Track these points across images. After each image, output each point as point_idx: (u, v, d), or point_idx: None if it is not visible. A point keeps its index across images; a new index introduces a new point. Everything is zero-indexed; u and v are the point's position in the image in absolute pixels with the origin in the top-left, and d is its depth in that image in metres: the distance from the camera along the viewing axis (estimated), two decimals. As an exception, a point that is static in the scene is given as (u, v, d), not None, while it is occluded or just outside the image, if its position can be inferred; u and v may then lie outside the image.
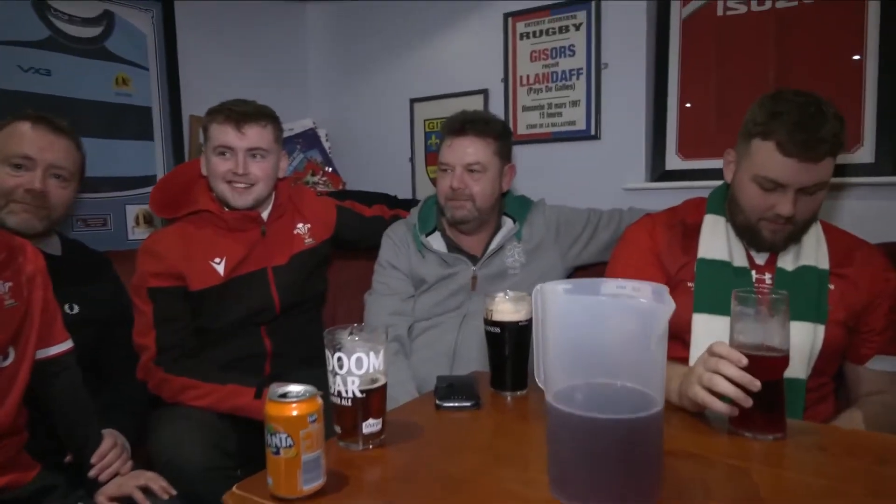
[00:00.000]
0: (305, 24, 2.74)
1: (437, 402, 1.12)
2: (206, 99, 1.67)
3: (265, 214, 1.69)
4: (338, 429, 0.95)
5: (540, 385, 0.88)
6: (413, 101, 2.51)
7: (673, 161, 2.03)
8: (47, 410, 1.27)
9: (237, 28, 2.41)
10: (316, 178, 2.52)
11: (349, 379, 0.92)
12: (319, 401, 0.81)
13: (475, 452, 0.94)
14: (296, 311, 1.73)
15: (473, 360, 1.58)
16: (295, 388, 0.82)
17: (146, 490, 1.28)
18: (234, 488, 0.83)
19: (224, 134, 1.57)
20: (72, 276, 1.50)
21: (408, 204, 2.10)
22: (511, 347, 1.17)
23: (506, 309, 1.17)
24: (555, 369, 0.78)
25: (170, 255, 1.56)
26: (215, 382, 1.50)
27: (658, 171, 2.04)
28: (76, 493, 1.25)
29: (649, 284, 0.79)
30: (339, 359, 0.92)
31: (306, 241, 1.76)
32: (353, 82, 2.68)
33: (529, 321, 1.15)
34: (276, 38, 2.60)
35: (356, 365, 0.91)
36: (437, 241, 1.75)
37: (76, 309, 1.48)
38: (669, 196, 1.75)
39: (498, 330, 1.16)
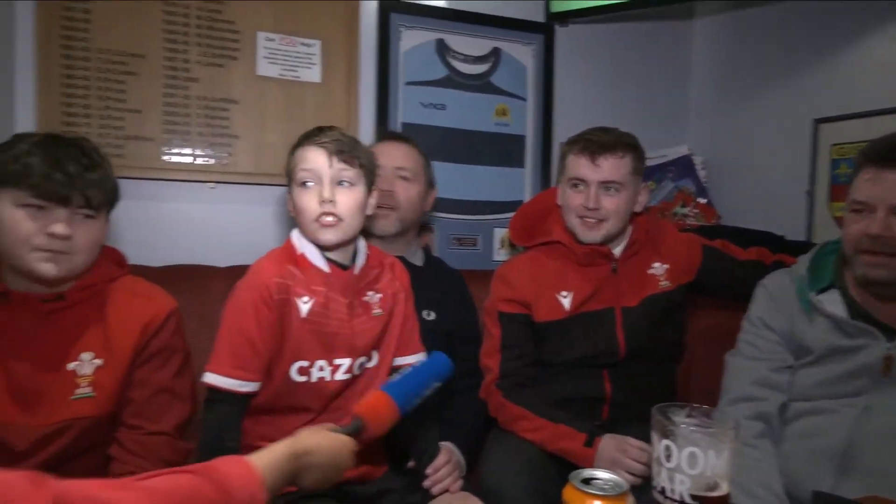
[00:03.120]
0: (690, 42, 2.52)
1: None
2: (576, 127, 1.64)
3: (618, 250, 1.57)
4: (659, 533, 0.77)
5: None
6: (818, 121, 2.06)
7: None
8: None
9: (614, 52, 2.35)
10: (686, 210, 2.29)
11: (677, 477, 0.73)
12: (629, 501, 0.66)
13: None
14: (643, 359, 1.56)
15: (873, 472, 1.16)
16: (603, 477, 0.68)
17: (469, 515, 1.29)
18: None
19: (578, 166, 1.51)
20: (431, 284, 1.63)
21: (798, 248, 1.70)
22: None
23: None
24: None
25: (519, 283, 1.57)
26: (547, 419, 1.45)
27: None
28: (412, 498, 1.33)
29: None
30: (667, 448, 0.74)
31: (661, 283, 1.58)
32: (739, 102, 2.35)
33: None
34: (656, 60, 2.45)
35: (689, 462, 0.72)
36: (833, 303, 1.35)
37: (433, 315, 1.60)
38: None
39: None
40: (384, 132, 1.77)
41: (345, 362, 1.26)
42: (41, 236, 1.11)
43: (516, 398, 1.50)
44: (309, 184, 1.22)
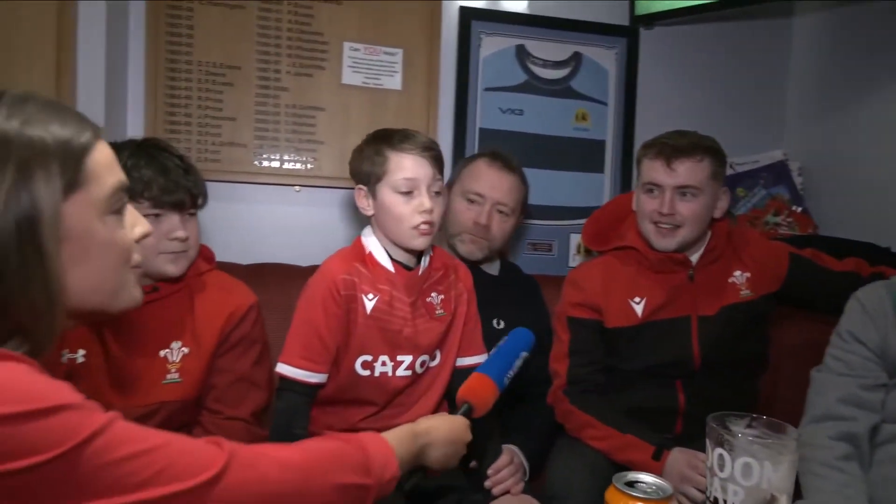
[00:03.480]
0: (789, 41, 2.38)
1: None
2: (659, 131, 1.59)
3: (695, 257, 1.52)
4: (711, 545, 0.74)
5: None
6: (931, 124, 1.89)
7: None
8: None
9: (703, 54, 2.26)
10: (778, 219, 2.16)
11: (731, 488, 0.70)
12: (674, 507, 0.64)
13: None
14: (720, 371, 1.50)
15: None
16: (648, 480, 0.66)
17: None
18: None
19: (653, 170, 1.47)
20: (504, 295, 1.64)
21: (902, 261, 1.58)
22: None
23: None
24: None
25: (590, 288, 1.55)
26: (614, 428, 1.42)
27: None
28: (473, 497, 1.34)
29: None
30: (720, 457, 0.71)
31: (742, 292, 1.51)
32: (843, 105, 2.19)
33: None
34: (750, 60, 2.33)
35: (743, 473, 0.69)
36: (934, 318, 1.25)
37: (502, 325, 1.60)
38: None
39: None
40: (490, 151, 1.68)
41: (406, 359, 1.30)
42: (165, 241, 1.24)
43: (583, 405, 1.48)
44: (410, 192, 1.26)
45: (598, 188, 2.15)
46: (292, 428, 1.21)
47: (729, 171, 2.25)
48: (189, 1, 1.84)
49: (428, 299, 1.34)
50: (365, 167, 1.30)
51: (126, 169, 1.23)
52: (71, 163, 0.65)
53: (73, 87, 1.64)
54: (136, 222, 0.76)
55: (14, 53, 1.58)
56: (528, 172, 2.07)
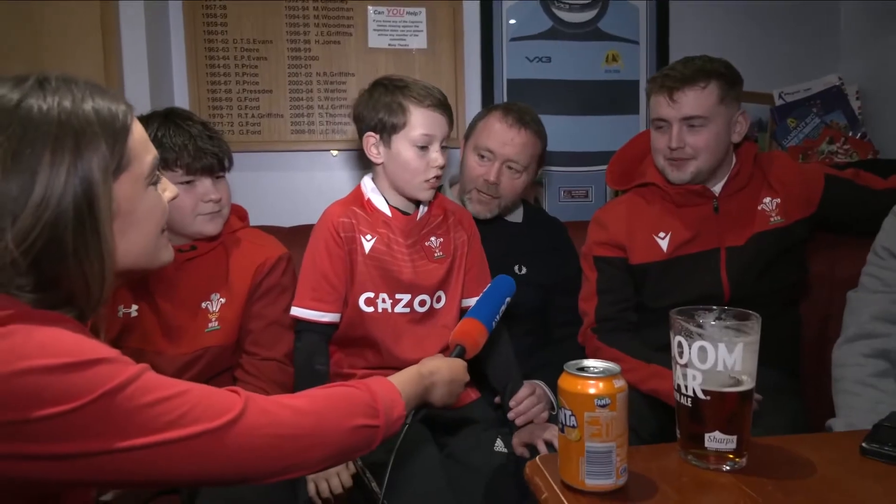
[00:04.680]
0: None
1: (864, 444, 0.76)
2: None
3: (717, 187, 1.47)
4: (677, 432, 0.75)
5: None
6: None
7: None
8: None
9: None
10: (834, 147, 2.04)
11: (689, 373, 0.71)
12: (619, 385, 0.65)
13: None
14: (754, 302, 1.42)
15: None
16: (596, 364, 0.68)
17: (551, 445, 1.31)
18: (536, 458, 0.76)
19: (658, 105, 1.43)
20: (526, 241, 1.65)
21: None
22: None
23: None
24: None
25: (614, 226, 1.54)
26: (640, 360, 1.41)
27: None
28: (499, 429, 1.38)
29: None
30: (679, 344, 0.72)
31: (772, 219, 1.45)
32: (905, 18, 2.02)
33: None
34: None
35: (699, 356, 0.70)
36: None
37: (524, 270, 1.61)
38: None
39: None
40: (504, 104, 1.64)
41: (405, 297, 1.35)
42: (201, 204, 1.35)
43: (612, 341, 1.48)
44: (425, 147, 1.30)
45: (633, 130, 2.09)
46: (313, 364, 1.29)
47: (778, 102, 2.14)
48: (220, -21, 1.95)
49: (427, 243, 1.39)
50: (380, 115, 1.32)
51: (157, 140, 1.35)
52: (118, 146, 0.70)
53: (120, 73, 1.79)
54: (167, 185, 0.83)
55: (63, 39, 1.73)
56: (560, 120, 2.06)
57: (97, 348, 0.66)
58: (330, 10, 2.00)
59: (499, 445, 1.33)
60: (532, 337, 1.60)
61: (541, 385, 1.44)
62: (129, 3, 1.78)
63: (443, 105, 1.31)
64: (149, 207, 0.76)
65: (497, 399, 1.43)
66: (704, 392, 0.69)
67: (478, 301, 1.17)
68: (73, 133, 0.66)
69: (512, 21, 2.06)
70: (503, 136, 1.56)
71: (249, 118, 2.01)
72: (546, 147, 1.66)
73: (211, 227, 1.37)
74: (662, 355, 1.40)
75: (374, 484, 1.23)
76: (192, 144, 1.33)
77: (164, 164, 1.34)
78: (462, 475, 1.26)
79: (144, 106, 1.81)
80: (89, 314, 0.71)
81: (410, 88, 1.31)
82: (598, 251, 1.56)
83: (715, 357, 0.68)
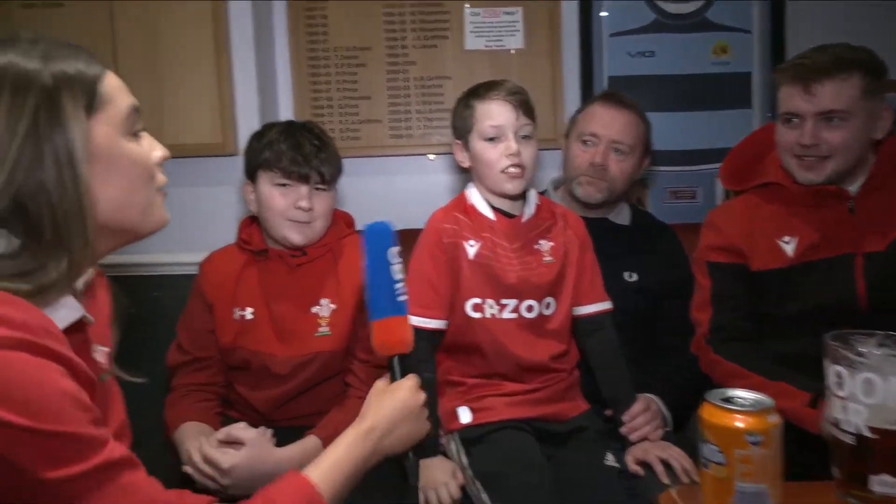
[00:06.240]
0: None
1: None
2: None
3: (854, 186, 1.35)
4: (834, 471, 0.69)
5: None
6: None
7: None
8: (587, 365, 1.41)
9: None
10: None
11: (852, 408, 0.64)
12: (773, 420, 0.61)
13: None
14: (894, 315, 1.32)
15: None
16: (745, 396, 0.64)
17: (668, 465, 1.26)
18: (670, 490, 0.72)
19: (790, 97, 1.32)
20: (634, 245, 1.59)
21: None
22: None
23: None
24: None
25: (730, 229, 1.45)
26: (763, 376, 1.32)
27: None
28: (609, 442, 1.34)
29: None
30: (838, 374, 0.66)
31: (919, 221, 1.32)
32: None
33: None
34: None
35: (863, 389, 0.63)
36: None
37: (634, 277, 1.56)
38: None
39: None
40: (604, 92, 1.65)
41: (511, 302, 1.33)
42: (291, 209, 1.39)
43: (729, 354, 1.40)
44: (496, 138, 1.30)
45: (745, 125, 1.98)
46: (420, 372, 1.29)
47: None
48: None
49: (535, 246, 1.36)
50: (458, 122, 1.38)
51: (269, 143, 1.41)
52: (88, 87, 0.71)
53: (231, 85, 1.88)
54: (154, 147, 0.81)
55: (181, 54, 1.85)
56: (665, 116, 1.98)
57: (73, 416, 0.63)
58: (427, 14, 2.01)
59: (609, 460, 1.29)
60: (638, 346, 1.54)
61: (655, 400, 1.38)
62: (239, 21, 1.86)
63: (509, 93, 1.30)
64: (131, 158, 0.75)
65: (608, 412, 1.39)
66: (871, 429, 0.63)
67: (366, 288, 0.90)
68: (44, 83, 0.67)
69: (608, 15, 1.99)
70: (605, 117, 1.55)
71: (349, 124, 2.05)
72: (650, 133, 1.62)
73: (296, 236, 1.41)
74: (787, 370, 1.32)
75: (484, 495, 1.22)
76: (295, 152, 1.39)
77: (266, 164, 1.40)
78: (570, 488, 1.24)
79: (253, 115, 1.90)
80: (78, 266, 0.70)
81: (479, 88, 1.35)
82: (712, 256, 1.47)
83: (884, 391, 0.61)
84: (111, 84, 0.74)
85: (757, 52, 1.97)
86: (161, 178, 0.81)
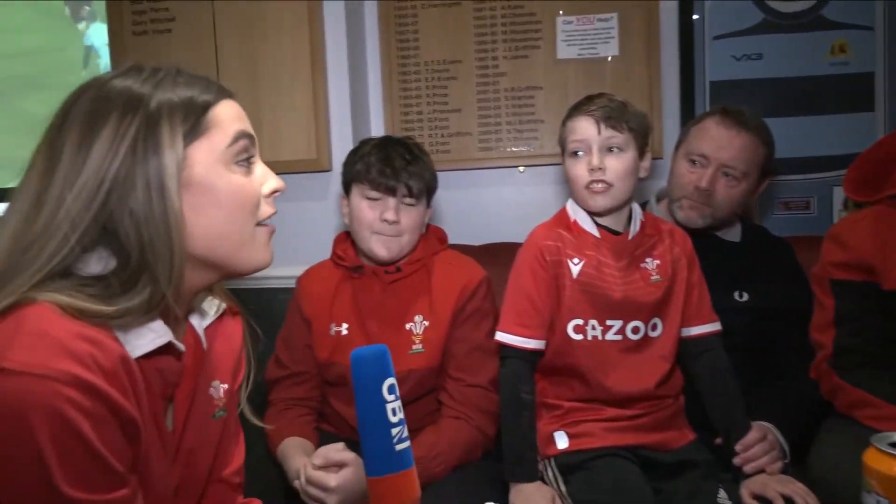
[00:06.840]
0: None
1: None
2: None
3: None
4: None
5: None
6: None
7: None
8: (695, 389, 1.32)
9: None
10: None
11: None
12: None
13: None
14: None
15: None
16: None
17: (791, 501, 1.15)
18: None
19: None
20: (747, 264, 1.48)
21: None
22: None
23: None
24: None
25: (859, 245, 1.32)
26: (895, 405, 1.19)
27: None
28: (721, 474, 1.24)
29: None
30: None
31: None
32: None
33: None
34: None
35: None
36: None
37: (745, 297, 1.45)
38: None
39: None
40: (722, 107, 1.49)
41: (616, 324, 1.27)
42: (378, 222, 1.39)
43: (856, 380, 1.28)
44: (579, 153, 1.26)
45: (866, 129, 1.82)
46: (519, 393, 1.25)
47: None
48: (412, 1, 1.99)
49: (642, 265, 1.29)
50: (560, 141, 1.34)
51: (362, 156, 1.42)
52: (192, 114, 0.69)
53: (326, 101, 1.91)
54: (267, 177, 0.77)
55: (279, 71, 1.90)
56: (774, 123, 1.84)
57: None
58: (518, 25, 1.98)
59: (722, 497, 1.20)
60: (750, 371, 1.42)
61: (772, 430, 1.28)
62: (334, 39, 1.91)
63: (593, 108, 1.24)
64: (231, 187, 0.71)
65: (718, 440, 1.29)
66: None
67: (359, 428, 0.72)
68: (148, 107, 0.67)
69: (711, 16, 1.88)
70: (718, 139, 1.43)
71: (439, 138, 2.04)
72: (773, 156, 1.48)
73: (381, 251, 1.40)
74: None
75: None
76: (384, 164, 1.38)
77: (357, 176, 1.41)
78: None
79: (346, 131, 1.93)
80: (162, 293, 0.67)
81: (574, 105, 1.30)
82: (836, 274, 1.35)
83: None
84: (223, 111, 0.73)
85: (880, 50, 1.81)
86: (266, 209, 0.76)
